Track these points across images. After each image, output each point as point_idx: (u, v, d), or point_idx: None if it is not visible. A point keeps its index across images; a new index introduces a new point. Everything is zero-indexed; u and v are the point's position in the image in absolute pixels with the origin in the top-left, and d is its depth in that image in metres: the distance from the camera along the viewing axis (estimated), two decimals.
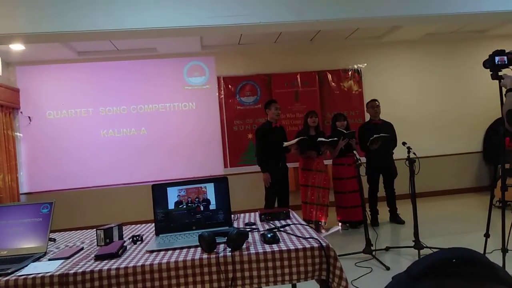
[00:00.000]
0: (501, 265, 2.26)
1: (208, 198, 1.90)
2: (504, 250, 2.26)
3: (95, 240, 1.82)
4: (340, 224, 4.87)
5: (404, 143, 4.01)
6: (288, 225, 1.88)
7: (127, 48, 5.71)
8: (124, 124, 5.94)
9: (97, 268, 1.45)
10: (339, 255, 3.62)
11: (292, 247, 1.52)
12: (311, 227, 1.83)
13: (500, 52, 2.20)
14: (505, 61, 2.18)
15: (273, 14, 4.22)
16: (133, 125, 5.95)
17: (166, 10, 4.32)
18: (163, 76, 6.04)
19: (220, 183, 1.92)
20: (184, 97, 6.06)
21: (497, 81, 2.26)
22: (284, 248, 1.52)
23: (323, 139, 4.52)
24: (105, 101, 5.93)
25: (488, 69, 2.27)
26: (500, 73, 2.22)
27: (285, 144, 4.53)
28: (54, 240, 2.00)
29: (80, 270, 1.43)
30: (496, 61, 2.19)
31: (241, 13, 4.25)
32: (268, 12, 4.20)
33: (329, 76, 6.34)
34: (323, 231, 4.73)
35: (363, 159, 4.70)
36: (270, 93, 6.14)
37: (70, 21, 4.06)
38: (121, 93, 5.95)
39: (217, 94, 6.14)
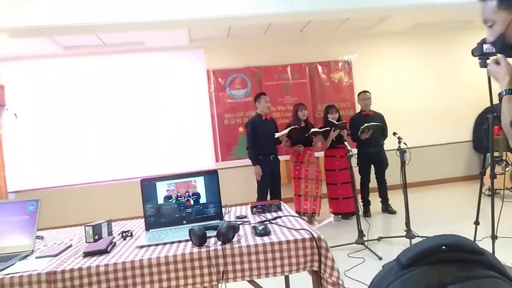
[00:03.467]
0: (490, 251, 2.29)
1: (198, 192, 1.88)
2: (494, 237, 2.28)
3: (84, 237, 1.80)
4: (332, 215, 4.89)
5: (394, 134, 4.03)
6: (280, 217, 1.87)
7: (114, 42, 5.61)
8: (112, 120, 5.87)
9: (85, 265, 1.42)
10: (332, 247, 3.65)
11: (283, 239, 1.51)
12: (303, 219, 1.83)
13: None
14: (493, 49, 2.17)
15: (262, 4, 4.18)
16: (121, 120, 5.88)
17: (153, 2, 4.25)
18: (151, 70, 5.96)
19: (210, 176, 1.90)
20: (173, 91, 5.99)
21: (486, 69, 2.26)
22: (275, 240, 1.51)
23: (316, 129, 4.52)
24: (93, 96, 5.85)
25: (477, 58, 2.27)
26: (488, 61, 2.21)
27: (277, 135, 4.52)
28: (42, 238, 1.97)
29: (68, 268, 1.41)
30: (484, 49, 2.19)
31: (229, 4, 4.20)
32: (257, 3, 4.16)
33: (320, 68, 6.32)
34: (316, 223, 4.75)
35: (355, 151, 4.72)
36: (260, 86, 6.10)
37: (54, 14, 3.98)
38: (108, 88, 5.87)
39: (207, 87, 6.09)
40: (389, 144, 4.73)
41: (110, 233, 1.87)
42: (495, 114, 2.32)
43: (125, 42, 5.67)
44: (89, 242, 1.74)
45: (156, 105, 5.93)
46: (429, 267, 0.77)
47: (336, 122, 4.60)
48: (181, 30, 5.26)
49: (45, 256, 1.57)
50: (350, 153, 3.72)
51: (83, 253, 1.55)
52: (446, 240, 0.81)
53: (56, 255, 1.58)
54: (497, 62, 1.30)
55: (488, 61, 2.26)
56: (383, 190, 4.95)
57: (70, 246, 1.74)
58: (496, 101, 2.66)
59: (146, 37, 5.52)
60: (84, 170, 5.77)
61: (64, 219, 5.33)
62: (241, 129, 6.03)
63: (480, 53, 2.23)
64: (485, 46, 2.19)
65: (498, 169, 4.69)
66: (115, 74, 5.91)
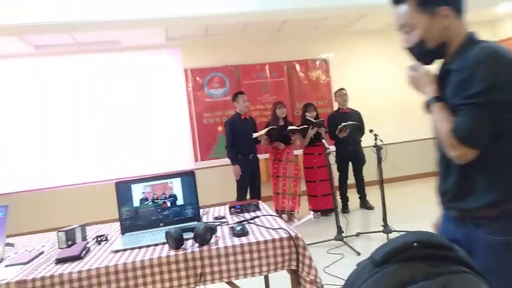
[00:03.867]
0: None
1: (175, 193, 1.85)
2: None
3: (57, 243, 1.74)
4: (312, 212, 4.94)
5: (371, 131, 4.09)
6: (258, 216, 1.87)
7: (88, 41, 5.47)
8: (87, 120, 5.72)
9: (57, 272, 1.38)
10: (312, 244, 3.69)
11: (261, 239, 1.50)
12: (282, 218, 1.83)
13: None
14: None
15: (238, 3, 4.16)
16: (97, 121, 5.74)
17: (129, 0, 4.17)
18: (127, 70, 5.85)
19: (187, 177, 1.88)
20: (150, 91, 5.90)
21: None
22: (253, 240, 1.50)
23: (293, 127, 4.54)
24: (67, 97, 5.68)
25: None
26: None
27: (255, 135, 4.52)
28: (12, 245, 1.90)
29: (39, 275, 1.36)
30: None
31: (206, 3, 4.16)
32: (233, 2, 4.14)
33: (297, 66, 6.36)
34: (295, 220, 4.78)
35: (332, 148, 4.77)
36: (239, 85, 6.08)
37: (23, 12, 3.84)
38: (82, 89, 5.72)
39: (185, 87, 6.02)
40: (366, 141, 4.81)
41: (84, 238, 1.82)
42: None
43: (100, 41, 5.54)
44: (62, 248, 1.68)
45: (132, 105, 5.82)
46: (401, 265, 0.78)
47: (314, 120, 4.64)
48: (157, 29, 5.18)
49: (15, 264, 1.52)
50: (328, 150, 3.76)
51: (55, 259, 1.50)
52: (418, 237, 0.83)
53: (26, 263, 1.53)
54: (415, 70, 1.24)
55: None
56: (360, 186, 5.03)
57: (42, 252, 1.69)
58: None
59: (122, 36, 5.40)
60: (57, 172, 5.60)
61: (36, 224, 5.15)
62: (220, 128, 6.00)
63: None
64: None
65: None
66: (89, 74, 5.76)
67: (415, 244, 0.82)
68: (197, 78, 6.06)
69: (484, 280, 0.83)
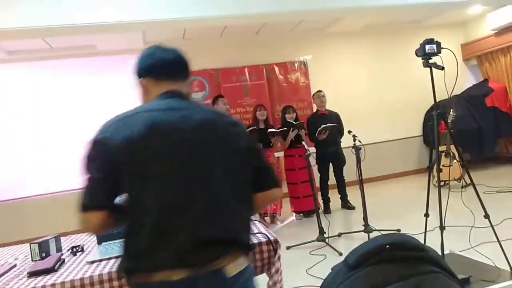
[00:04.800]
0: (439, 241, 2.41)
1: None
2: (442, 228, 2.40)
3: (30, 255, 1.68)
4: (294, 214, 4.96)
5: (349, 132, 4.15)
6: None
7: (62, 46, 5.35)
8: (62, 127, 5.57)
9: (30, 286, 1.33)
10: (295, 245, 3.71)
11: None
12: (264, 221, 1.83)
13: (430, 41, 2.32)
14: (434, 49, 2.31)
15: (216, 7, 4.15)
16: (72, 127, 5.59)
17: (104, 3, 4.09)
18: (104, 75, 5.73)
19: None
20: (128, 96, 5.78)
21: (429, 68, 2.39)
22: None
23: (273, 130, 4.56)
24: (42, 104, 5.53)
25: (420, 57, 2.39)
26: (430, 61, 2.35)
27: None
28: None
29: None
30: (426, 50, 2.31)
31: (182, 6, 4.13)
32: (211, 5, 4.13)
33: (277, 69, 6.38)
34: (278, 222, 4.79)
35: (313, 150, 4.81)
36: (219, 88, 6.06)
37: None
38: (58, 94, 5.57)
39: None
40: (345, 141, 4.88)
41: (59, 249, 1.76)
42: (439, 110, 2.45)
43: (75, 46, 5.43)
44: (35, 261, 1.63)
45: (110, 111, 5.68)
46: (374, 267, 0.79)
47: (294, 122, 4.67)
48: (134, 33, 5.11)
49: None
50: (308, 152, 3.79)
51: (28, 273, 1.45)
52: (390, 239, 0.84)
53: None
54: None
55: (430, 60, 2.41)
56: (341, 187, 5.09)
57: (15, 266, 1.63)
58: (440, 97, 2.82)
59: (98, 40, 5.31)
60: (31, 181, 5.41)
61: (9, 236, 4.96)
62: None
63: (423, 54, 2.35)
64: (427, 47, 2.31)
65: (446, 161, 4.97)
66: (64, 80, 5.61)
67: (387, 246, 0.84)
68: None
69: (456, 279, 0.85)
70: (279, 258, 1.51)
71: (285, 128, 4.65)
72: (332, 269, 0.85)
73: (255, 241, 1.51)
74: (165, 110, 1.08)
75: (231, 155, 1.07)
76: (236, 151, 1.09)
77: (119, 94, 5.79)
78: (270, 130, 4.55)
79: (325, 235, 3.74)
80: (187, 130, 1.04)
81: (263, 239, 1.51)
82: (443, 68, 2.30)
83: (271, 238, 1.51)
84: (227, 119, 1.15)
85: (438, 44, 2.34)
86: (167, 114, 1.06)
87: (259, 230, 1.64)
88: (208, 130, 1.07)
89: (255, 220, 1.86)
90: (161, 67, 1.18)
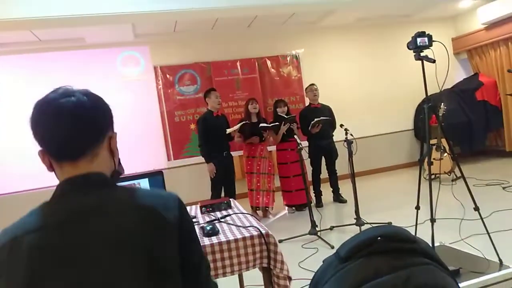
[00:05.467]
0: (430, 233, 2.43)
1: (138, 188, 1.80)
2: (432, 220, 2.42)
3: None
4: (286, 208, 4.97)
5: (341, 125, 4.15)
6: (229, 215, 1.85)
7: (51, 39, 5.25)
8: None
9: None
10: (287, 239, 3.71)
11: (231, 238, 1.49)
12: (256, 215, 1.82)
13: (421, 34, 2.32)
14: (426, 42, 2.31)
15: None
16: None
17: None
18: (94, 69, 5.64)
19: (155, 178, 1.83)
20: (118, 90, 5.72)
21: (420, 61, 2.39)
22: (223, 239, 1.48)
23: (265, 124, 4.55)
24: (29, 97, 5.42)
25: (412, 50, 2.39)
26: (422, 54, 2.35)
27: (228, 130, 4.49)
28: None
29: None
30: (418, 42, 2.31)
31: None
32: None
33: (269, 63, 6.35)
34: (270, 216, 4.79)
35: (305, 143, 4.81)
36: (210, 82, 6.01)
37: None
38: (46, 89, 5.45)
39: (155, 84, 5.89)
40: (337, 135, 4.89)
41: None
42: (430, 104, 2.46)
43: (63, 39, 5.33)
44: None
45: None
46: (366, 259, 0.78)
47: (285, 116, 4.66)
48: (124, 25, 5.03)
49: None
50: (300, 146, 3.78)
51: None
52: (381, 231, 0.84)
53: None
54: None
55: (421, 53, 2.41)
56: (333, 180, 5.10)
57: None
58: (431, 91, 2.83)
59: (87, 32, 5.22)
60: (18, 177, 5.31)
61: None
62: (192, 126, 5.92)
63: (414, 47, 2.35)
64: (418, 40, 2.31)
65: (436, 155, 5.01)
66: (53, 73, 5.51)
67: (379, 238, 0.83)
68: (168, 76, 5.94)
69: (447, 271, 0.85)
70: (281, 253, 1.50)
71: (276, 123, 4.65)
72: (323, 261, 0.84)
73: (246, 234, 1.50)
74: (60, 224, 0.79)
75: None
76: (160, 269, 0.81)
77: (108, 87, 5.72)
78: (261, 124, 4.54)
79: (317, 229, 3.76)
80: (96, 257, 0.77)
81: (255, 233, 1.50)
82: (434, 61, 2.30)
83: (263, 232, 1.50)
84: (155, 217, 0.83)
85: (430, 37, 2.34)
86: (65, 233, 0.78)
87: (250, 224, 1.63)
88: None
89: (247, 213, 1.85)
90: (51, 142, 0.85)
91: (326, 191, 5.12)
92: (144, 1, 4.18)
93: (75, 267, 0.77)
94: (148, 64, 5.85)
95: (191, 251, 0.87)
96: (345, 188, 5.05)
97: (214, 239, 1.49)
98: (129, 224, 0.80)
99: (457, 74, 7.13)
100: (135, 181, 1.81)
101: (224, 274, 1.46)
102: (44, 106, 0.86)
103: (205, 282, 0.91)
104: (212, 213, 1.96)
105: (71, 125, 0.84)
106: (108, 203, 0.83)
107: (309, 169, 4.93)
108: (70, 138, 0.84)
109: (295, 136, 4.06)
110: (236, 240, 1.47)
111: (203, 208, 2.01)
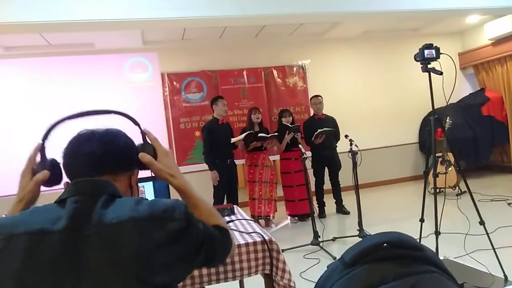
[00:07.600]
0: (434, 247, 2.41)
1: (146, 198, 1.80)
2: (437, 233, 2.40)
3: None
4: (289, 217, 4.94)
5: (346, 136, 4.15)
6: (232, 221, 1.84)
7: (60, 43, 5.33)
8: (60, 126, 5.52)
9: None
10: (288, 249, 3.69)
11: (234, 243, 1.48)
12: (259, 223, 1.81)
13: (429, 46, 2.34)
14: (433, 54, 2.32)
15: (215, 7, 4.15)
16: (68, 126, 5.55)
17: (102, 0, 4.08)
18: (102, 74, 5.70)
19: (160, 182, 1.83)
20: (126, 95, 5.77)
21: (427, 73, 2.40)
22: None
23: (263, 135, 4.55)
24: (37, 101, 5.47)
25: (419, 62, 2.40)
26: (429, 66, 2.36)
27: (233, 140, 4.51)
28: None
29: None
30: (425, 54, 2.32)
31: (182, 5, 4.13)
32: (210, 6, 4.12)
33: (275, 72, 6.39)
34: (273, 225, 4.76)
35: (309, 153, 4.81)
36: (216, 90, 6.05)
37: None
38: (54, 92, 5.53)
39: (161, 91, 5.94)
40: (341, 146, 4.88)
41: None
42: (436, 116, 2.46)
43: (73, 43, 5.40)
44: None
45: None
46: (371, 265, 0.78)
47: (290, 125, 4.67)
48: (133, 31, 5.10)
49: None
50: (304, 155, 3.78)
51: None
52: (387, 237, 0.83)
53: None
54: None
55: (429, 65, 2.42)
56: (337, 191, 5.08)
57: None
58: (437, 105, 2.83)
59: (96, 38, 5.29)
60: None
61: None
62: (197, 133, 5.94)
63: (421, 58, 2.36)
64: (426, 52, 2.32)
65: (441, 168, 4.98)
66: (62, 77, 5.57)
67: (385, 244, 0.82)
68: (174, 83, 5.99)
69: (452, 279, 0.84)
70: (283, 261, 1.49)
71: (275, 133, 4.68)
72: (327, 266, 0.83)
73: (249, 240, 1.50)
74: (60, 231, 0.81)
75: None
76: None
77: (116, 92, 5.78)
78: (260, 134, 4.54)
79: (320, 239, 3.73)
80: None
81: (258, 239, 1.49)
82: (441, 73, 2.31)
83: (266, 238, 1.49)
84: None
85: (437, 49, 2.35)
86: (64, 240, 0.80)
87: (254, 230, 1.62)
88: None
89: (250, 220, 1.84)
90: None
91: (329, 202, 5.10)
92: (153, 8, 4.23)
93: (68, 276, 0.77)
94: (155, 71, 5.90)
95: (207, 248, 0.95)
96: (348, 200, 5.02)
97: None
98: (127, 237, 0.81)
99: (463, 89, 7.13)
100: (140, 184, 1.81)
101: (226, 279, 1.45)
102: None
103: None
104: None
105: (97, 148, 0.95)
106: (110, 213, 0.84)
107: (312, 179, 4.91)
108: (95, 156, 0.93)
109: (300, 146, 4.06)
110: (239, 246, 1.46)
111: None
